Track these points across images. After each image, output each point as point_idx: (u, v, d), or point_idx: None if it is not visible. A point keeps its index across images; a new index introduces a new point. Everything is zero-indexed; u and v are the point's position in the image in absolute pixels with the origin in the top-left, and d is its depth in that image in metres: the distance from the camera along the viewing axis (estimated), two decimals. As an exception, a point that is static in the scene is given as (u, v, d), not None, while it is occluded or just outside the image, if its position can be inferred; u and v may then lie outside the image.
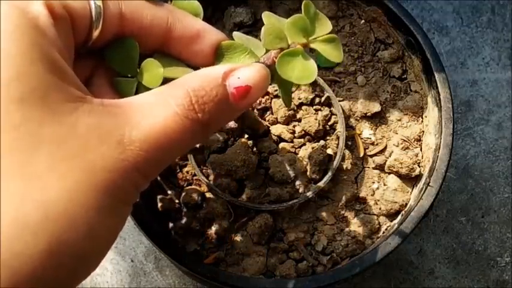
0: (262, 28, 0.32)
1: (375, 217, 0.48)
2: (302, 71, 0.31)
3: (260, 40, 0.33)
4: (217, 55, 0.34)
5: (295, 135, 0.47)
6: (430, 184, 0.46)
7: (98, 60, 0.33)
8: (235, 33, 0.35)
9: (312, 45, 0.32)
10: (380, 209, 0.48)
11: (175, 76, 0.32)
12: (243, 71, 0.30)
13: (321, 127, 0.47)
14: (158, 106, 0.28)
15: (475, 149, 0.60)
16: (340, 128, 0.48)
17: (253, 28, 0.51)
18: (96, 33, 0.30)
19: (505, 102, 0.61)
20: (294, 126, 0.48)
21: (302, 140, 0.47)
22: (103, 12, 0.30)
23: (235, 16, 0.51)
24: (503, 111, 0.61)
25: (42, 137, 0.25)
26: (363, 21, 0.52)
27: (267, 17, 0.33)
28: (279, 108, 0.47)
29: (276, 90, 0.48)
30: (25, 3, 0.27)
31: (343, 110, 0.49)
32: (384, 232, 0.48)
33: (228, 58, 0.34)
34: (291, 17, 0.32)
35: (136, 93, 0.33)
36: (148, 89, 0.33)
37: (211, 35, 0.33)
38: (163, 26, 0.32)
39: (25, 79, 0.25)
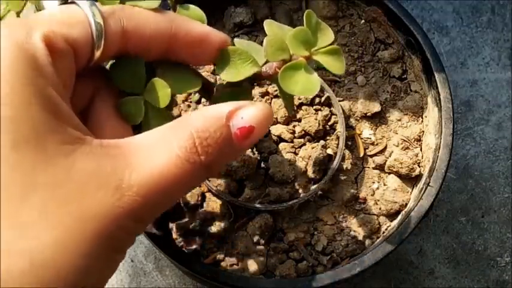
0: (264, 39, 0.31)
1: (375, 217, 0.48)
2: (305, 84, 0.31)
3: (261, 44, 0.33)
4: (220, 60, 0.33)
5: (295, 135, 0.47)
6: (430, 184, 0.46)
7: (100, 79, 0.32)
8: (237, 41, 0.35)
9: (315, 57, 0.32)
10: (380, 209, 0.48)
11: (184, 92, 0.31)
12: (246, 110, 0.30)
13: (321, 127, 0.47)
14: (160, 148, 0.27)
15: (475, 149, 0.60)
16: (340, 128, 0.48)
17: (253, 28, 0.51)
18: (98, 53, 0.29)
19: (505, 102, 0.61)
20: (294, 126, 0.48)
21: (302, 140, 0.47)
22: (104, 32, 0.29)
23: (235, 16, 0.51)
24: (503, 111, 0.61)
25: (36, 182, 0.24)
26: (363, 21, 0.52)
27: (268, 25, 0.33)
28: (279, 108, 0.47)
29: (276, 90, 0.48)
30: (23, 38, 0.26)
31: (343, 110, 0.49)
32: (383, 232, 0.48)
33: (232, 65, 0.33)
34: (293, 29, 0.32)
35: (145, 113, 0.32)
36: (156, 109, 0.32)
37: (214, 37, 0.33)
38: (166, 35, 0.31)
39: (20, 121, 0.24)
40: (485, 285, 0.57)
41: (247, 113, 0.30)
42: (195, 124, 0.28)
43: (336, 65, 0.32)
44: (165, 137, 0.28)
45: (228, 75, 0.33)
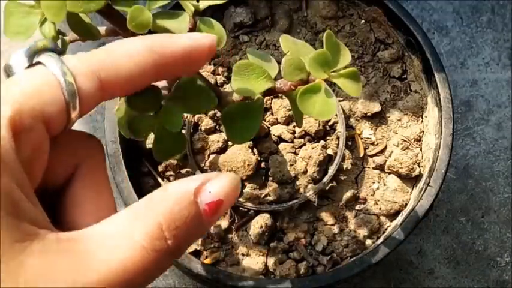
0: (283, 59, 0.31)
1: (375, 217, 0.48)
2: (322, 107, 0.31)
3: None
4: (234, 73, 0.33)
5: (295, 135, 0.47)
6: (430, 184, 0.46)
7: (84, 148, 0.30)
8: (249, 50, 0.35)
9: (333, 79, 0.32)
10: (380, 209, 0.48)
11: (199, 113, 0.29)
12: (214, 184, 0.28)
13: (321, 127, 0.47)
14: (122, 238, 0.25)
15: (475, 149, 0.60)
16: (340, 128, 0.48)
17: (253, 28, 0.51)
18: (74, 114, 0.27)
19: (505, 102, 0.61)
20: (294, 126, 0.48)
21: (302, 140, 0.47)
22: (78, 90, 0.26)
23: (235, 16, 0.51)
24: (503, 111, 0.61)
25: None
26: (363, 21, 0.52)
27: (284, 41, 0.33)
28: (279, 108, 0.47)
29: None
30: None
31: (343, 110, 0.49)
32: (384, 232, 0.48)
33: (245, 80, 0.33)
34: (313, 51, 0.32)
35: (158, 133, 0.31)
36: (168, 131, 0.31)
37: (201, 45, 0.30)
38: (150, 69, 0.28)
39: None
40: (485, 285, 0.57)
41: (214, 187, 0.28)
42: (161, 207, 0.26)
43: (353, 88, 0.32)
44: (128, 226, 0.26)
45: (242, 91, 0.33)
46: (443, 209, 0.59)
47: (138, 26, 0.30)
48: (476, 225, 0.59)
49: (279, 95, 0.48)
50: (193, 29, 0.33)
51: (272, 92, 0.34)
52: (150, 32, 0.31)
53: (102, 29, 0.32)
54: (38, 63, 0.27)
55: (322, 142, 0.47)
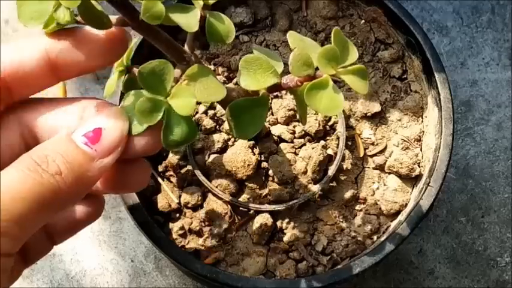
0: (291, 54, 0.31)
1: (375, 217, 0.48)
2: (329, 102, 0.31)
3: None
4: (241, 67, 0.33)
5: (296, 135, 0.47)
6: (430, 184, 0.46)
7: None
8: (255, 46, 0.35)
9: (341, 76, 0.32)
10: (380, 209, 0.48)
11: (208, 101, 0.29)
12: (89, 118, 0.28)
13: (321, 127, 0.47)
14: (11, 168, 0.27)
15: (475, 149, 0.60)
16: (340, 128, 0.48)
17: (253, 28, 0.51)
18: None
19: (505, 102, 0.61)
20: (294, 126, 0.48)
21: (302, 140, 0.47)
22: None
23: (235, 16, 0.51)
24: (503, 111, 0.61)
25: None
26: (363, 21, 0.52)
27: (292, 37, 0.33)
28: (279, 108, 0.47)
29: (276, 90, 0.48)
30: None
31: (343, 110, 0.49)
32: (383, 232, 0.48)
33: (252, 74, 0.33)
34: (321, 47, 0.32)
35: (168, 119, 0.31)
36: (179, 115, 0.31)
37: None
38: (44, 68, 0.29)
39: None
40: (485, 285, 0.57)
41: (89, 119, 0.28)
42: (34, 149, 0.27)
43: (360, 85, 0.32)
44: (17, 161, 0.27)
45: (247, 84, 0.33)
46: (443, 209, 0.59)
47: (151, 17, 0.30)
48: (476, 225, 0.59)
49: (279, 95, 0.48)
50: (202, 23, 0.33)
51: (278, 88, 0.34)
52: (160, 25, 0.31)
53: (113, 18, 0.32)
54: None
55: (322, 142, 0.47)
